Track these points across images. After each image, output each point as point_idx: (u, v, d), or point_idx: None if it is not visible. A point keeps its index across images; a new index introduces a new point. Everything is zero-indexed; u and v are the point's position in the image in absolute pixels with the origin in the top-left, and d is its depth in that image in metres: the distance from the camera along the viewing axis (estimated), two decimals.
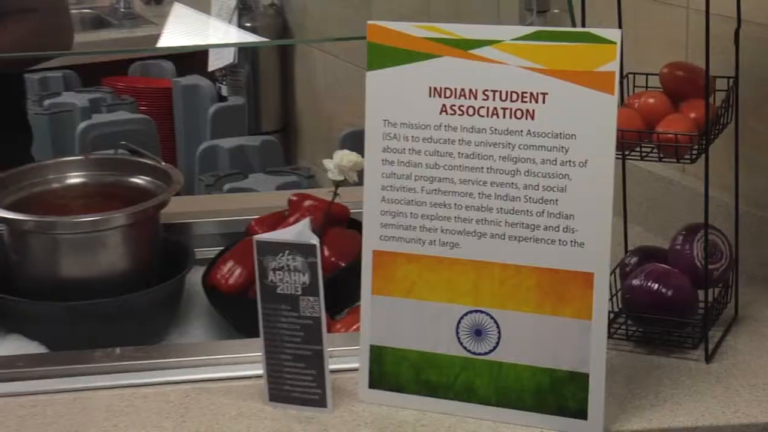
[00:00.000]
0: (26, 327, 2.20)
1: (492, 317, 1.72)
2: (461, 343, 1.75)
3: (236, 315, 2.24)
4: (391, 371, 1.80)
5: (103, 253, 2.24)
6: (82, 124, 4.48)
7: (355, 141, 3.54)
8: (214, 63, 4.63)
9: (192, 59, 4.87)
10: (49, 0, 2.94)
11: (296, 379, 1.79)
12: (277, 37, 4.72)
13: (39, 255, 2.26)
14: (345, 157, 2.30)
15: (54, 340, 2.16)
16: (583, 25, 1.92)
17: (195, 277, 2.32)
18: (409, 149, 1.75)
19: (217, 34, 4.02)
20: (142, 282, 2.24)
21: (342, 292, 1.98)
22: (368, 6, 4.09)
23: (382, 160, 1.77)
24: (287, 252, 1.74)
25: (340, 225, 2.30)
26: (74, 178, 2.43)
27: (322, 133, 4.58)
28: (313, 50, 4.63)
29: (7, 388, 1.92)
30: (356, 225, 2.27)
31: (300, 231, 1.79)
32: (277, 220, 2.31)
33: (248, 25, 4.53)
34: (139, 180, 2.40)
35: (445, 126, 1.72)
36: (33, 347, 2.15)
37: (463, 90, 1.72)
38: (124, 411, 1.84)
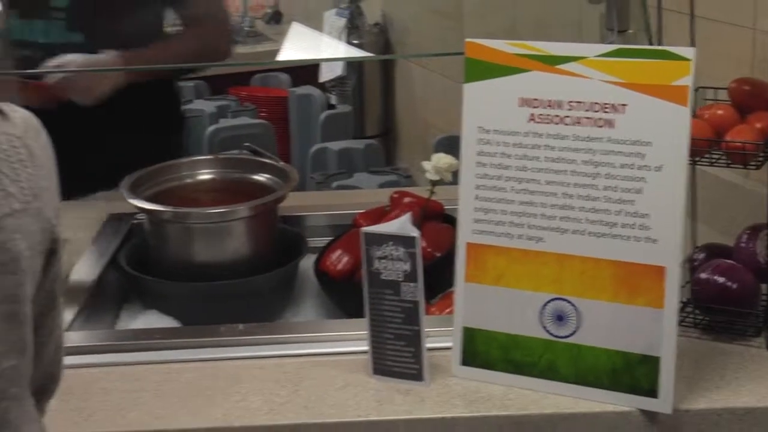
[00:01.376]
0: (162, 304, 2.22)
1: (572, 304, 1.71)
2: (545, 327, 1.73)
3: (343, 297, 2.23)
4: (481, 350, 1.78)
5: (229, 240, 2.25)
6: (211, 128, 4.55)
7: (448, 145, 3.52)
8: (325, 75, 4.64)
9: (306, 72, 4.89)
10: (220, 13, 2.97)
11: (397, 355, 1.79)
12: (381, 53, 4.73)
13: (174, 241, 2.27)
14: (441, 159, 2.28)
15: (185, 315, 2.18)
16: (660, 44, 1.90)
17: (307, 263, 2.32)
18: (500, 153, 1.74)
19: (329, 49, 4.03)
20: (261, 266, 2.24)
21: (436, 279, 1.96)
22: (460, 26, 4.08)
23: (476, 162, 1.76)
24: (391, 243, 1.74)
25: (435, 219, 2.28)
26: (204, 175, 2.44)
27: (418, 137, 4.58)
28: (412, 64, 4.64)
29: (146, 356, 1.94)
30: (450, 220, 2.28)
31: (402, 224, 1.78)
32: (379, 215, 2.29)
33: (355, 42, 4.54)
34: (260, 177, 2.40)
35: (533, 133, 1.71)
36: (167, 321, 2.17)
37: (549, 101, 1.71)
38: (246, 379, 1.85)
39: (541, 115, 1.70)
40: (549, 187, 1.70)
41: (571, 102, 1.68)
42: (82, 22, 2.73)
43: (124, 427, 1.73)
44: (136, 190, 2.26)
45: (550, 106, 1.70)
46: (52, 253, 1.42)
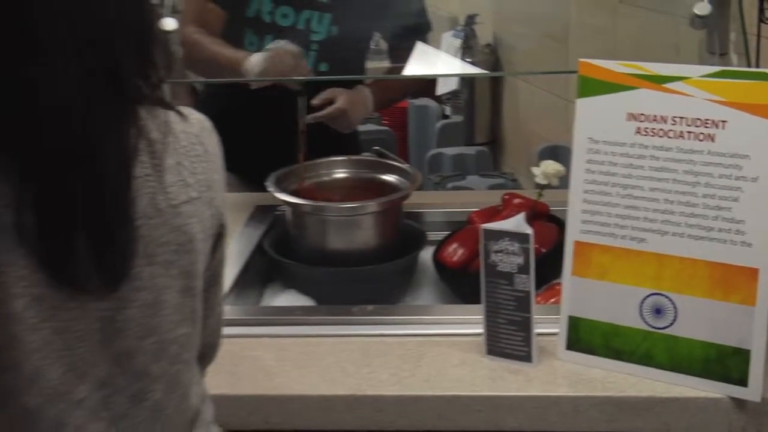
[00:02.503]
0: (300, 285, 2.23)
1: (670, 299, 1.68)
2: (644, 319, 1.71)
3: (457, 285, 2.21)
4: (584, 337, 1.77)
5: (359, 232, 2.26)
6: None
7: (550, 154, 3.51)
8: (441, 89, 4.65)
9: (423, 85, 4.85)
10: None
11: (509, 338, 1.78)
12: (491, 70, 4.71)
13: (312, 231, 2.28)
14: (549, 166, 2.27)
15: (320, 296, 2.19)
16: (758, 66, 1.85)
17: (426, 254, 2.31)
18: (608, 162, 1.72)
19: (445, 66, 4.01)
20: (386, 256, 2.24)
21: (541, 272, 1.92)
22: (565, 47, 4.06)
23: (585, 169, 1.74)
24: (507, 238, 1.74)
25: (542, 219, 2.25)
26: (339, 174, 2.46)
27: (522, 146, 4.57)
28: (518, 81, 4.64)
29: (286, 330, 1.96)
30: (554, 220, 2.27)
31: (517, 222, 1.76)
32: (492, 213, 2.27)
33: (468, 60, 4.54)
34: (387, 177, 2.40)
35: (639, 145, 1.69)
36: (305, 301, 2.19)
37: (655, 116, 1.69)
38: (374, 354, 1.86)
39: (646, 128, 1.68)
40: (652, 193, 1.68)
41: (675, 117, 1.66)
42: (330, 56, 2.78)
43: (270, 391, 1.75)
44: (280, 185, 2.28)
45: (655, 120, 1.68)
46: (219, 236, 1.46)
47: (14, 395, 1.31)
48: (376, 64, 3.13)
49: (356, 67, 2.78)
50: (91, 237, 1.29)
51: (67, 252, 1.29)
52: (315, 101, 2.61)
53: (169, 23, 1.96)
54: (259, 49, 2.71)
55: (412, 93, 3.94)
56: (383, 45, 2.92)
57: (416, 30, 2.85)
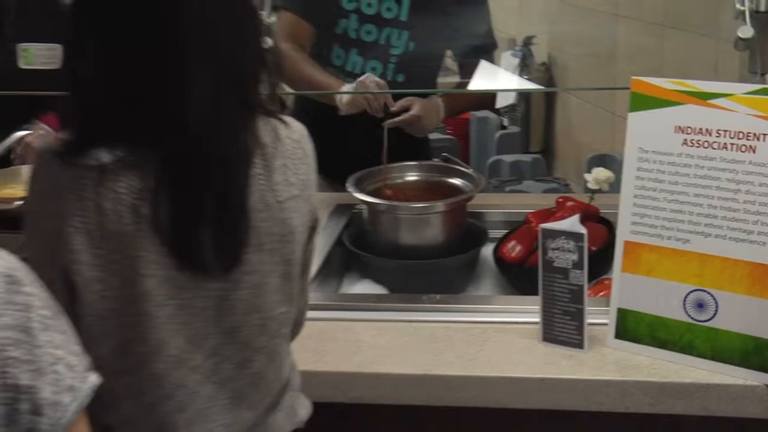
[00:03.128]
0: (375, 275, 2.23)
1: (712, 295, 1.67)
2: (687, 312, 1.70)
3: (515, 278, 2.20)
4: (631, 328, 1.75)
5: (428, 229, 2.25)
6: None
7: (598, 162, 3.50)
8: (500, 102, 4.61)
9: (486, 99, 4.84)
10: None
11: (563, 327, 1.78)
12: (545, 86, 4.69)
13: (386, 227, 2.28)
14: (601, 173, 2.26)
15: (393, 285, 2.18)
16: None
17: (487, 250, 2.30)
18: (656, 170, 1.71)
19: (505, 82, 4.00)
20: (452, 250, 2.23)
21: (592, 268, 1.91)
22: (613, 66, 4.03)
23: (636, 176, 1.73)
24: (563, 237, 1.74)
25: (592, 220, 2.23)
26: (411, 177, 2.44)
27: (572, 154, 4.55)
28: (569, 96, 4.63)
29: (363, 315, 1.96)
30: (604, 221, 2.26)
31: (573, 223, 1.76)
32: (547, 214, 2.27)
33: (525, 77, 4.53)
34: (454, 180, 2.39)
35: (685, 155, 1.68)
36: (379, 289, 2.18)
37: (700, 129, 1.67)
38: (442, 338, 1.86)
39: (692, 140, 1.67)
40: (696, 199, 1.67)
41: (719, 130, 1.64)
42: (407, 69, 2.78)
43: (349, 369, 1.76)
44: (359, 186, 2.29)
45: (701, 133, 1.66)
46: (312, 229, 1.52)
47: (144, 362, 1.38)
48: (448, 79, 3.14)
49: (430, 79, 2.81)
50: (214, 228, 1.35)
51: (194, 240, 1.35)
52: (393, 108, 2.61)
53: (267, 42, 1.96)
54: (344, 62, 2.77)
55: (479, 106, 3.93)
56: (454, 61, 2.94)
57: (484, 49, 2.84)
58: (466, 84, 2.81)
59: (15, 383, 0.91)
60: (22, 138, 2.43)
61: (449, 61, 2.98)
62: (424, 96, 2.71)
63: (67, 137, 1.37)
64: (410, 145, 2.74)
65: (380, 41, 2.77)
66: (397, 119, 2.57)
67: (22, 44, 2.70)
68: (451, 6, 2.76)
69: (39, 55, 2.74)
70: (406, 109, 2.63)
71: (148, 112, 1.34)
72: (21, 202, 1.42)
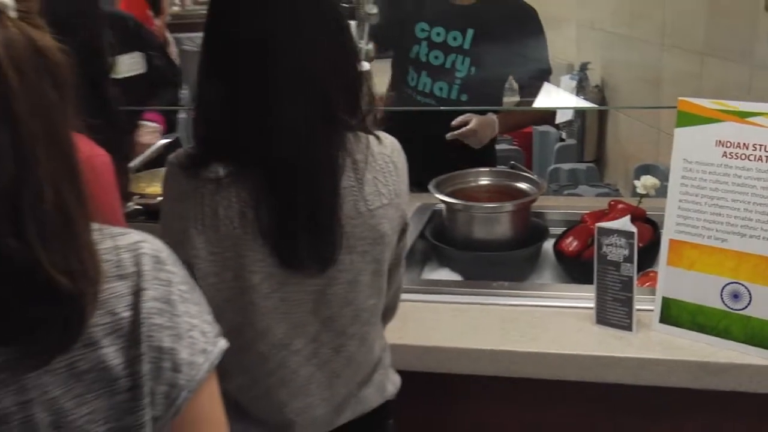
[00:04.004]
0: (451, 264, 2.23)
1: (746, 287, 1.65)
2: (723, 301, 1.68)
3: (572, 269, 2.18)
4: (674, 314, 1.74)
5: (498, 226, 2.23)
6: None
7: (643, 171, 3.46)
8: (560, 118, 4.59)
9: (545, 115, 4.81)
10: None
11: (614, 312, 1.78)
12: (599, 105, 4.65)
13: (462, 224, 2.26)
14: (648, 180, 2.23)
15: (467, 273, 2.18)
16: None
17: (548, 244, 2.28)
18: (699, 178, 1.70)
19: (564, 101, 3.99)
20: (518, 244, 2.23)
21: (639, 262, 1.89)
22: (658, 88, 3.99)
23: (681, 183, 1.72)
24: (616, 235, 1.74)
25: (639, 221, 2.19)
26: (483, 181, 2.42)
27: (621, 164, 4.51)
28: (619, 114, 4.58)
29: (441, 298, 1.97)
30: (649, 221, 2.22)
31: (624, 222, 1.75)
32: (599, 215, 2.23)
33: (582, 97, 4.48)
34: (520, 185, 2.36)
35: (724, 165, 1.67)
36: (455, 276, 2.19)
37: (738, 143, 1.66)
38: (508, 319, 1.86)
39: (731, 153, 1.65)
40: (734, 203, 1.65)
41: (755, 144, 1.62)
42: (469, 90, 2.79)
43: (430, 343, 1.78)
44: (438, 188, 2.29)
45: (738, 147, 1.64)
46: (403, 232, 1.50)
47: (252, 344, 1.41)
48: (509, 98, 3.14)
49: (490, 99, 2.79)
50: (309, 232, 1.35)
51: (290, 243, 1.35)
52: (454, 122, 2.65)
53: (365, 66, 1.97)
54: (416, 83, 2.81)
55: (535, 122, 3.94)
56: (515, 84, 2.93)
57: (540, 74, 2.84)
58: (524, 103, 2.85)
59: (159, 345, 0.93)
60: (164, 145, 2.45)
61: (515, 83, 2.98)
62: (482, 113, 2.73)
63: (191, 152, 1.40)
64: (479, 155, 2.77)
65: (446, 65, 2.79)
66: (456, 132, 2.61)
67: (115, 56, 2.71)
68: (510, 37, 2.75)
69: (124, 64, 2.79)
70: (465, 124, 2.66)
71: (253, 134, 1.35)
72: (161, 198, 1.46)
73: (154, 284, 0.94)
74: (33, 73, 0.82)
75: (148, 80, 2.90)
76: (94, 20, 1.74)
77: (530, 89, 2.85)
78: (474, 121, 2.69)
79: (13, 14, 0.83)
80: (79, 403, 0.90)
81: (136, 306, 0.92)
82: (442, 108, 2.74)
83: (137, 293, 0.93)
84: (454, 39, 2.78)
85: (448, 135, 2.61)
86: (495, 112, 2.79)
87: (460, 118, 2.68)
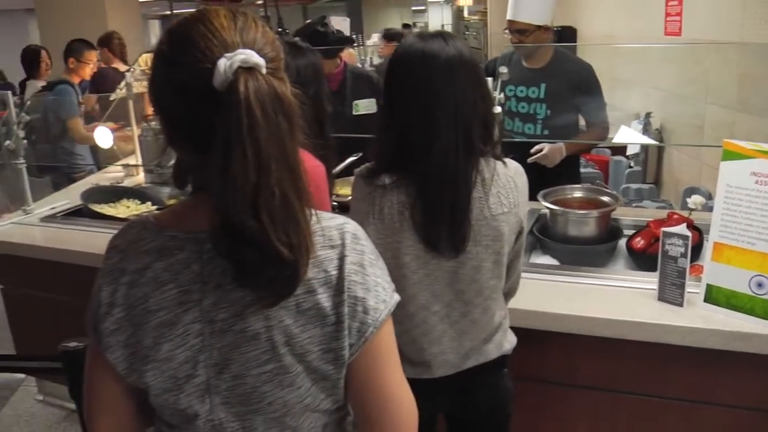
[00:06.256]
0: (552, 253, 2.23)
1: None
2: (750, 288, 1.69)
3: (639, 261, 2.14)
4: (714, 296, 1.75)
5: (586, 227, 2.24)
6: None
7: (690, 192, 3.37)
8: (630, 151, 4.54)
9: (618, 148, 4.74)
10: (606, 122, 2.90)
11: (671, 292, 1.79)
12: (658, 142, 4.57)
13: (561, 224, 2.26)
14: (697, 198, 2.18)
15: (563, 260, 2.18)
16: None
17: (622, 242, 2.27)
18: (737, 198, 1.70)
19: (633, 138, 3.96)
20: (600, 241, 2.23)
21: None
22: (701, 131, 3.94)
23: (723, 201, 1.72)
24: (676, 237, 1.74)
25: (689, 227, 2.12)
26: (577, 194, 2.39)
27: (673, 186, 4.43)
28: (673, 149, 4.51)
29: (545, 277, 1.99)
30: (696, 228, 2.15)
31: (682, 228, 1.75)
32: (660, 222, 2.19)
33: (646, 134, 4.41)
34: (603, 198, 2.35)
35: (756, 190, 1.67)
36: (554, 261, 2.19)
37: (767, 174, 1.66)
38: (593, 294, 1.88)
39: (762, 180, 1.66)
40: (762, 218, 1.66)
41: None
42: (548, 127, 2.83)
43: (535, 308, 1.79)
44: (545, 197, 2.30)
45: (767, 177, 1.66)
46: (519, 233, 1.47)
47: (404, 305, 1.39)
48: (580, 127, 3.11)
49: (564, 132, 2.79)
50: (447, 228, 1.35)
51: (435, 234, 1.35)
52: (533, 150, 2.66)
53: (497, 109, 2.03)
54: (512, 127, 2.83)
55: (589, 148, 3.91)
56: (582, 119, 2.93)
57: (595, 111, 2.81)
58: (587, 135, 2.84)
59: (355, 295, 0.94)
60: (352, 162, 2.49)
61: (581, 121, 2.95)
62: (555, 142, 2.74)
63: (369, 167, 1.41)
64: (573, 176, 2.80)
65: (530, 112, 2.83)
66: (534, 157, 2.63)
67: (356, 100, 2.88)
68: (571, 87, 2.76)
69: (363, 106, 2.93)
70: (540, 150, 2.68)
71: (414, 154, 1.33)
72: (351, 198, 1.47)
73: (352, 252, 0.95)
74: (271, 110, 0.83)
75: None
76: (321, 78, 1.74)
77: (591, 121, 2.85)
78: (547, 148, 2.68)
79: (263, 71, 0.85)
80: (303, 331, 0.92)
81: (340, 267, 0.94)
82: (532, 140, 2.77)
83: (341, 258, 0.94)
84: (533, 92, 2.82)
85: (529, 159, 2.60)
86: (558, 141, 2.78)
87: (536, 147, 2.69)
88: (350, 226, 0.98)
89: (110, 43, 4.48)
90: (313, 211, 0.93)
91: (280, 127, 0.83)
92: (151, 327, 0.93)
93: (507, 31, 2.81)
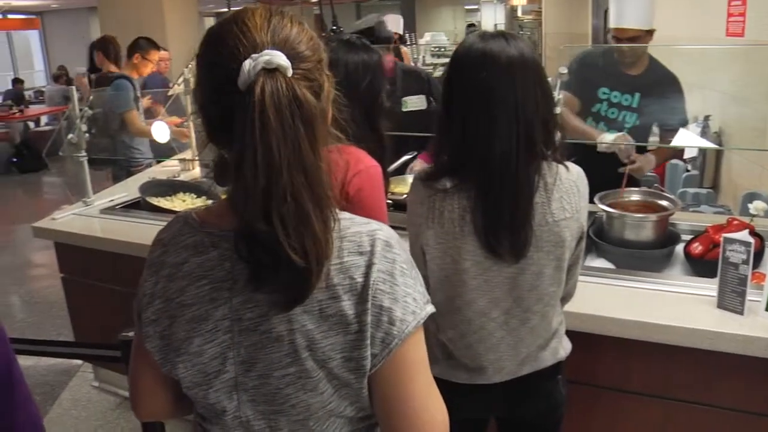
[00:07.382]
0: (608, 256, 2.21)
1: None
2: None
3: (697, 267, 2.10)
4: None
5: (643, 231, 2.21)
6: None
7: (750, 197, 3.28)
8: (687, 154, 4.44)
9: (677, 152, 4.63)
10: None
11: (731, 299, 1.76)
12: (717, 145, 4.47)
13: (617, 228, 2.23)
14: (760, 204, 2.14)
15: (619, 263, 2.16)
16: None
17: (679, 247, 2.23)
18: None
19: (691, 142, 3.86)
20: (658, 245, 2.19)
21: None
22: (763, 135, 3.88)
23: None
24: (737, 243, 1.72)
25: (751, 234, 2.10)
26: (635, 197, 2.37)
27: (732, 191, 4.34)
28: (732, 153, 4.43)
29: (600, 280, 1.98)
30: (758, 235, 2.12)
31: (744, 234, 1.74)
32: (719, 228, 2.16)
33: (704, 138, 4.32)
34: (661, 201, 2.33)
35: None
36: (609, 265, 2.16)
37: None
38: (650, 300, 1.85)
39: None
40: None
41: None
42: (634, 136, 2.71)
43: (590, 312, 1.77)
44: (601, 200, 2.28)
45: None
46: (580, 239, 1.46)
47: (461, 310, 1.41)
48: (652, 139, 3.08)
49: (643, 141, 2.77)
50: (508, 233, 1.34)
51: (496, 240, 1.34)
52: (625, 160, 2.61)
53: (558, 110, 2.00)
54: (596, 129, 2.79)
55: (673, 157, 3.88)
56: (656, 129, 2.88)
57: (681, 123, 2.80)
58: (665, 143, 2.81)
59: (380, 304, 0.92)
60: (407, 161, 2.46)
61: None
62: (644, 151, 2.71)
63: (428, 170, 1.40)
64: (631, 179, 2.72)
65: (619, 119, 2.80)
66: (628, 167, 2.56)
67: (405, 97, 2.87)
68: (662, 98, 2.74)
69: (412, 102, 2.92)
70: (633, 161, 2.63)
71: (475, 157, 1.33)
72: (408, 201, 1.45)
73: (382, 260, 0.93)
74: (288, 114, 0.81)
75: (426, 116, 2.90)
76: (375, 75, 1.68)
77: (673, 133, 2.79)
78: (639, 159, 2.63)
79: (289, 72, 0.84)
80: (325, 336, 0.91)
81: (367, 275, 0.92)
82: (621, 144, 2.66)
83: (369, 266, 0.92)
84: (626, 100, 2.79)
85: (620, 169, 2.52)
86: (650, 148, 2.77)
87: (631, 158, 2.61)
88: (383, 232, 0.96)
89: (106, 48, 4.49)
90: (346, 215, 0.93)
91: (297, 131, 0.82)
92: (185, 320, 0.95)
93: (613, 39, 2.77)
